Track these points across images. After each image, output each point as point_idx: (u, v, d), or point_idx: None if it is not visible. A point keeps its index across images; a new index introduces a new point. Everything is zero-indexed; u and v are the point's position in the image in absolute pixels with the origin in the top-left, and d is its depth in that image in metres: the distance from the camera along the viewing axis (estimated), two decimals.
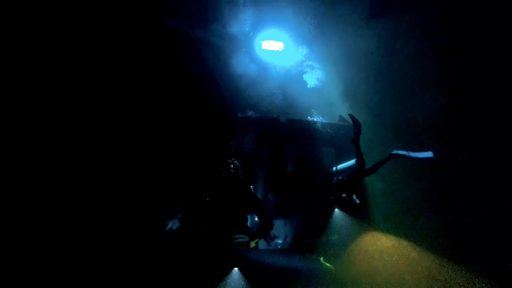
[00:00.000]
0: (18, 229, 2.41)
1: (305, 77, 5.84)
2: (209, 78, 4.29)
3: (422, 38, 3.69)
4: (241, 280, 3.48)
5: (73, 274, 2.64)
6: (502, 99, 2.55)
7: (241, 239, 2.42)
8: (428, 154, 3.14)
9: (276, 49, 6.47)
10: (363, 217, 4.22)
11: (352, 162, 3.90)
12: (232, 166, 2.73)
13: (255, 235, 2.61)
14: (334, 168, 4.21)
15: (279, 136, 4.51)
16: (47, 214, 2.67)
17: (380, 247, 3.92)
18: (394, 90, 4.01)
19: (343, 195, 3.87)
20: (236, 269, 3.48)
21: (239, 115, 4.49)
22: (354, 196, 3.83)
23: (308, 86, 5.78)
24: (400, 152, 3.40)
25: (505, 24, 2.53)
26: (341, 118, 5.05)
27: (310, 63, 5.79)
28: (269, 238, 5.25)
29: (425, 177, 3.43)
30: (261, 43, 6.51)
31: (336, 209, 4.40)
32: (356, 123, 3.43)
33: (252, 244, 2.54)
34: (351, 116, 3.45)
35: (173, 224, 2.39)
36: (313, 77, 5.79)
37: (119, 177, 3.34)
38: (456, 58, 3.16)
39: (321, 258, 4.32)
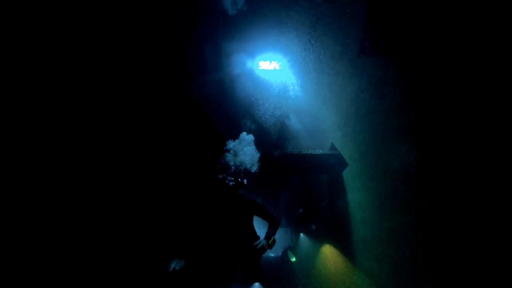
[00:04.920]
0: (18, 229, 2.34)
1: (297, 100, 6.13)
2: (206, 119, 4.76)
3: (406, 89, 3.92)
4: None
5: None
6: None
7: (262, 243, 2.48)
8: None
9: (272, 68, 6.65)
10: (344, 239, 4.98)
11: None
12: (225, 178, 2.68)
13: (269, 235, 2.64)
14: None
15: (273, 169, 5.09)
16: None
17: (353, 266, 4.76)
18: (377, 134, 4.38)
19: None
20: (257, 284, 3.45)
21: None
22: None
23: (301, 110, 6.10)
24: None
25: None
26: (332, 146, 5.48)
27: (298, 88, 6.04)
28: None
29: (394, 217, 4.03)
30: (259, 64, 6.67)
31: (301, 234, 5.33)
32: None
33: (271, 243, 2.60)
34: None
35: (177, 264, 2.35)
36: (306, 102, 6.07)
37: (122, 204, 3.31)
38: (433, 115, 3.48)
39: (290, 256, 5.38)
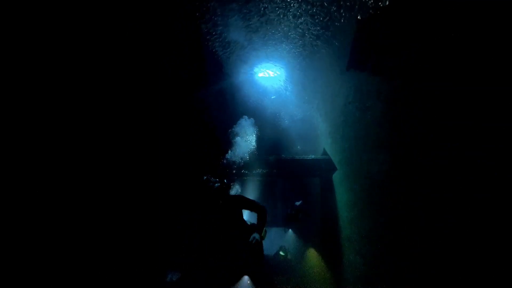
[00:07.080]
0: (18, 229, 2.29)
1: (293, 107, 6.62)
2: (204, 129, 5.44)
3: (386, 103, 4.31)
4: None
5: None
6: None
7: (255, 238, 2.46)
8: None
9: (270, 75, 7.17)
10: (333, 237, 5.53)
11: None
12: (209, 180, 2.65)
13: (260, 226, 2.63)
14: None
15: (269, 173, 5.69)
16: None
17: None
18: (360, 143, 4.82)
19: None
20: (246, 277, 3.53)
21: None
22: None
23: (296, 115, 6.60)
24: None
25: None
26: (324, 151, 5.97)
27: (293, 95, 6.51)
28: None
29: (372, 218, 4.52)
30: (257, 72, 7.20)
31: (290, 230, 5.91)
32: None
33: (263, 235, 2.62)
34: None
35: (173, 275, 2.46)
36: (301, 108, 6.54)
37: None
38: (409, 131, 3.88)
39: (281, 252, 5.99)
